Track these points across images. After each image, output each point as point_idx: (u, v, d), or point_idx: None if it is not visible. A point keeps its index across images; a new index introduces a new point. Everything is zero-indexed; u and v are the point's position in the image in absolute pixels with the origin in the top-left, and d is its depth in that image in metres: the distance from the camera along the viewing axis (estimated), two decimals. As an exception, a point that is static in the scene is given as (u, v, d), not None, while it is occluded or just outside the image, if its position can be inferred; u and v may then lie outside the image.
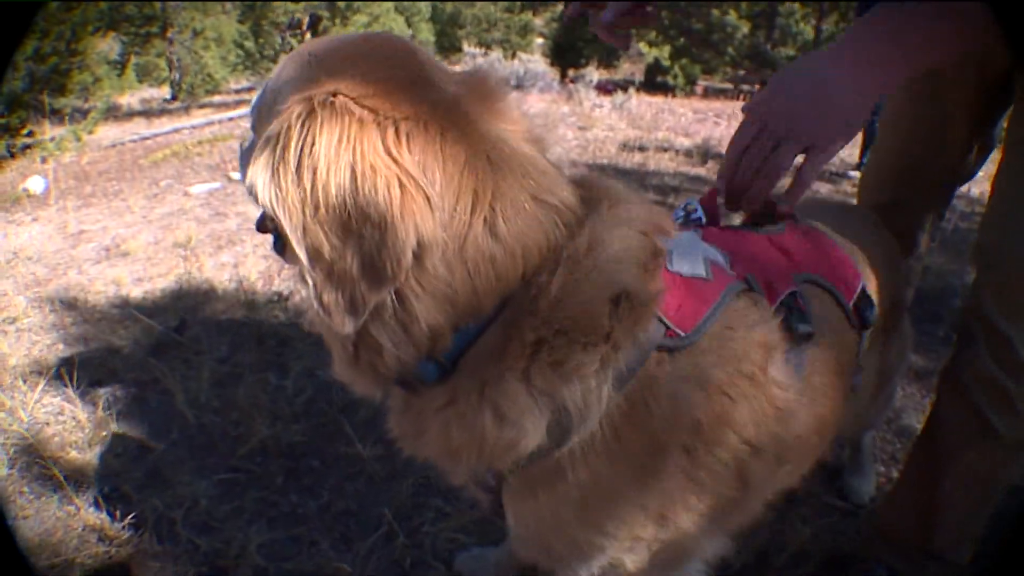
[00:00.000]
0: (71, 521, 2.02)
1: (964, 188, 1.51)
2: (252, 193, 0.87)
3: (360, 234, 0.83)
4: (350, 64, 0.92)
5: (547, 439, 0.93)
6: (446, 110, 0.91)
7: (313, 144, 0.82)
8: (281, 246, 1.00)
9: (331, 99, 0.85)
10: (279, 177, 0.83)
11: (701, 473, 1.03)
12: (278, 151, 0.84)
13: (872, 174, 1.92)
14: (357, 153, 0.82)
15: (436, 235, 0.85)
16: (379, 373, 0.95)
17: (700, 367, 0.99)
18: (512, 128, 0.99)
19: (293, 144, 0.83)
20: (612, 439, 0.96)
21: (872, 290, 1.37)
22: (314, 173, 0.82)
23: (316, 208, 0.82)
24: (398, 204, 0.82)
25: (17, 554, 1.27)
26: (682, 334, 0.98)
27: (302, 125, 0.83)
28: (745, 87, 14.86)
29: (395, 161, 0.83)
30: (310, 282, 0.86)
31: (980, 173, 1.74)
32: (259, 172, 0.85)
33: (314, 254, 0.84)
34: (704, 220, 1.32)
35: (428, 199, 0.84)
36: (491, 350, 0.92)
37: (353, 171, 0.82)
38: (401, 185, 0.82)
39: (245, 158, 1.07)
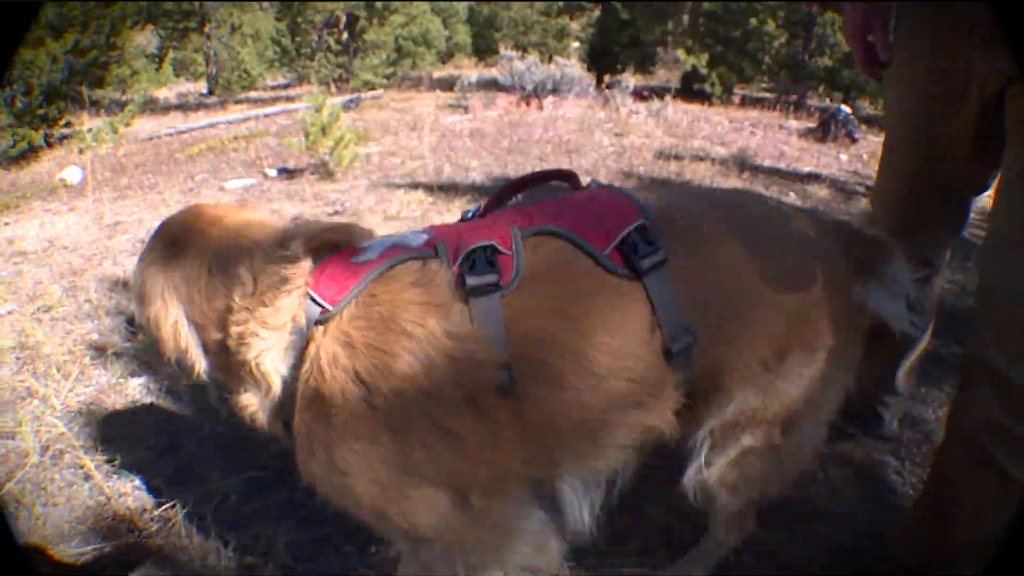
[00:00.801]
0: (101, 511, 2.03)
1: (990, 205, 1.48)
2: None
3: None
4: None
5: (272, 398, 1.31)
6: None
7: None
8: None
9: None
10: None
11: (397, 421, 1.19)
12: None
13: (887, 185, 1.89)
14: (138, 270, 1.39)
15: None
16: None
17: (346, 331, 1.21)
18: (241, 220, 1.39)
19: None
20: (301, 396, 1.25)
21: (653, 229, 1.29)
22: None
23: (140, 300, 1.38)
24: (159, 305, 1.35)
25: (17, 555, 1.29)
26: (331, 308, 1.22)
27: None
28: (783, 97, 14.66)
29: (164, 272, 1.34)
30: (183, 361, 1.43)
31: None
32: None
33: (151, 326, 1.37)
34: (475, 215, 1.48)
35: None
36: None
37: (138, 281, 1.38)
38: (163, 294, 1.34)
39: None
